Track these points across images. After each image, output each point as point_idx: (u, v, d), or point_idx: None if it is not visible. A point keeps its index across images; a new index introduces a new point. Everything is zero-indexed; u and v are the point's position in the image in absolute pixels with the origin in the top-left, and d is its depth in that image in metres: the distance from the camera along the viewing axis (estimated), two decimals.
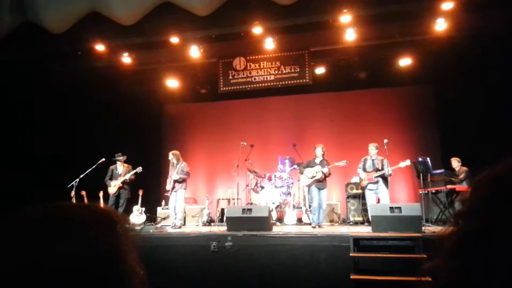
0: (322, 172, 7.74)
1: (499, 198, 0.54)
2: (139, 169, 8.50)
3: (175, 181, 8.11)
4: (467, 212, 0.58)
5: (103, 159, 8.46)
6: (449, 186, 7.97)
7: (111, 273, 0.62)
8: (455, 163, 8.35)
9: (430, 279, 0.60)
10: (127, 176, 8.45)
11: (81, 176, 8.13)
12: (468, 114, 8.73)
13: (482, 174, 0.60)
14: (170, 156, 8.36)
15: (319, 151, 7.98)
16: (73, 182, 8.07)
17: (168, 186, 8.21)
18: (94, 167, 8.30)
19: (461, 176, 8.05)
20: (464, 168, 8.16)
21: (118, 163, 8.70)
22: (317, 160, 7.98)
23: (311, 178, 7.84)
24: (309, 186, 7.99)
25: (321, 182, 7.82)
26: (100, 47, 8.62)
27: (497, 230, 0.52)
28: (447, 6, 7.41)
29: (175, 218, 8.11)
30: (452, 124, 9.20)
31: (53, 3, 7.30)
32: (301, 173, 8.08)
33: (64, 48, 8.56)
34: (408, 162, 7.66)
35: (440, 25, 7.91)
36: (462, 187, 7.83)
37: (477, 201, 0.57)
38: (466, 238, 0.55)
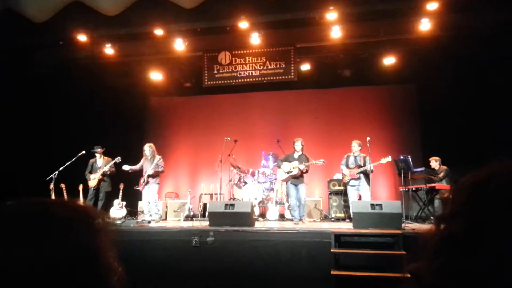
0: (299, 169, 7.69)
1: (483, 201, 0.55)
2: (118, 159, 8.37)
3: (150, 176, 8.00)
4: (451, 213, 0.59)
5: (83, 152, 8.31)
6: (429, 184, 8.10)
7: (88, 270, 0.61)
8: (434, 162, 8.46)
9: (409, 275, 0.61)
10: (106, 168, 8.33)
11: (61, 168, 7.97)
12: (450, 114, 8.89)
13: (466, 176, 0.60)
14: (147, 149, 8.16)
15: (298, 145, 7.90)
16: (52, 175, 7.91)
17: (141, 179, 8.09)
18: (74, 159, 8.15)
19: (441, 174, 8.18)
20: (444, 167, 8.30)
21: (97, 155, 8.56)
22: (296, 155, 7.92)
23: (287, 173, 7.80)
24: (285, 181, 7.98)
25: (296, 179, 7.75)
26: (82, 37, 8.46)
27: (480, 232, 0.52)
28: (431, 6, 7.50)
29: (150, 214, 8.00)
30: (434, 123, 9.35)
31: None
32: (279, 166, 8.01)
33: (45, 37, 8.38)
34: (389, 159, 7.76)
35: (425, 25, 8.00)
36: (442, 185, 7.97)
37: (461, 202, 0.58)
38: (450, 239, 0.56)
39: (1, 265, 0.55)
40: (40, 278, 0.55)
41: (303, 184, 7.80)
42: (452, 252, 0.55)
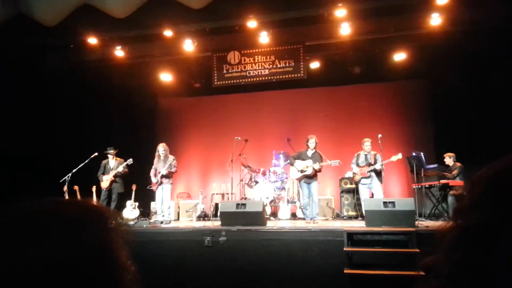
0: (313, 168, 7.65)
1: (499, 194, 0.55)
2: (130, 161, 8.42)
3: (163, 176, 8.02)
4: (468, 207, 0.58)
5: (96, 154, 8.39)
6: (442, 181, 8.00)
7: (101, 270, 0.61)
8: (447, 159, 8.35)
9: (424, 273, 0.61)
10: (120, 169, 8.39)
11: (74, 170, 8.06)
12: (462, 109, 8.77)
13: (482, 169, 0.60)
14: (162, 149, 8.14)
15: (312, 143, 7.82)
16: (66, 177, 8.00)
17: (154, 179, 8.08)
18: (87, 161, 8.23)
19: (455, 171, 8.06)
20: (458, 164, 8.18)
21: (110, 157, 8.63)
22: (309, 153, 7.86)
23: (301, 172, 7.75)
24: (299, 180, 7.94)
25: (310, 177, 7.70)
26: (92, 40, 8.54)
27: (499, 224, 0.52)
28: (442, 0, 7.41)
29: (163, 215, 8.00)
30: (447, 119, 9.23)
31: None
32: (291, 164, 7.94)
33: (56, 41, 8.48)
34: (400, 156, 7.67)
35: (435, 20, 7.91)
36: (456, 182, 7.87)
37: (477, 196, 0.58)
38: (467, 232, 0.56)
39: (14, 265, 0.55)
40: (53, 277, 0.56)
41: (316, 182, 7.75)
42: (470, 245, 0.54)
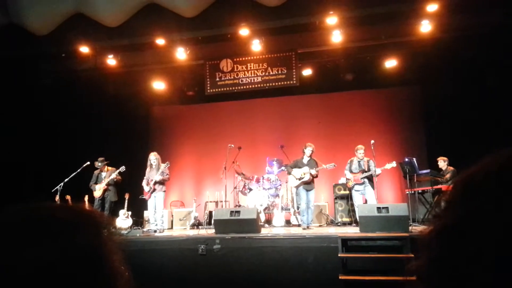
0: (310, 174, 7.71)
1: (466, 194, 0.57)
2: (122, 168, 8.36)
3: (156, 183, 7.96)
4: (445, 208, 0.61)
5: (88, 163, 8.33)
6: (435, 186, 8.05)
7: (94, 274, 0.61)
8: (441, 162, 8.42)
9: (415, 278, 0.63)
10: (113, 176, 8.33)
11: (66, 180, 7.99)
12: (454, 115, 8.85)
13: (461, 173, 0.64)
14: (153, 158, 8.10)
15: (308, 151, 7.88)
16: (58, 187, 7.92)
17: (147, 188, 8.02)
18: (79, 171, 8.17)
19: (447, 176, 8.11)
20: (451, 168, 8.24)
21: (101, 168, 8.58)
22: (305, 160, 7.92)
23: (299, 179, 7.80)
24: (297, 187, 7.97)
25: (308, 184, 7.79)
26: (84, 49, 8.52)
27: (464, 224, 0.54)
28: (431, 8, 7.50)
29: (156, 224, 7.91)
30: (438, 125, 9.31)
31: (37, 4, 7.20)
32: (289, 173, 8.00)
33: (48, 50, 8.44)
34: (394, 164, 7.72)
35: (425, 27, 8.00)
36: (448, 186, 7.89)
37: (452, 197, 0.60)
38: (443, 231, 0.58)
39: (8, 267, 0.55)
40: (46, 281, 0.56)
41: (314, 189, 7.83)
42: (443, 244, 0.56)
